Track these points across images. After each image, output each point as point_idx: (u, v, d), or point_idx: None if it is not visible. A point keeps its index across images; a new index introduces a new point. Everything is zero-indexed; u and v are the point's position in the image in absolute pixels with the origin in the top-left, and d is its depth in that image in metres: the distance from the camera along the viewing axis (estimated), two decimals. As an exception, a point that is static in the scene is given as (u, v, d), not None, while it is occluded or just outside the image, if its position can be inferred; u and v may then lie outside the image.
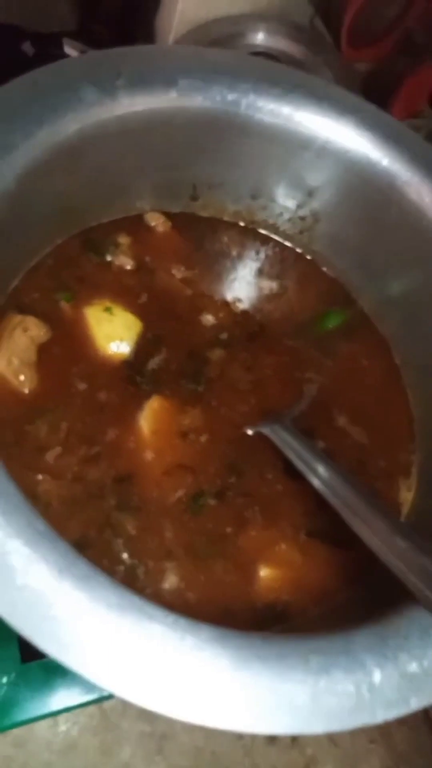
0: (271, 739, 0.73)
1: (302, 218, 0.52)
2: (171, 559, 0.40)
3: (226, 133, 0.46)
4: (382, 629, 0.32)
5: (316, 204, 0.50)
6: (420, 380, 0.51)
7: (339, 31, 0.76)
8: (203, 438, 0.44)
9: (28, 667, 0.44)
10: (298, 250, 0.54)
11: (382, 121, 0.46)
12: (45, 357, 0.43)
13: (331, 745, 0.77)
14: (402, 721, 0.82)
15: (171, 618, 0.28)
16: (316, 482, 0.40)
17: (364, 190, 0.47)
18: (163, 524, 0.41)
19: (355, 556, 0.43)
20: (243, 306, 0.50)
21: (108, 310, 0.46)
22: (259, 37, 0.74)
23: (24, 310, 0.44)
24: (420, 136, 0.47)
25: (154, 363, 0.46)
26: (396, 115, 0.62)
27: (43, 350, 0.43)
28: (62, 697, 0.45)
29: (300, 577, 0.42)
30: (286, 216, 0.52)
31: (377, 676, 0.30)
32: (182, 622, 0.28)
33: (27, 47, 0.75)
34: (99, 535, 0.39)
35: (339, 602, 0.42)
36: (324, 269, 0.54)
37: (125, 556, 0.39)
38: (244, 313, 0.50)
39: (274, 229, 0.53)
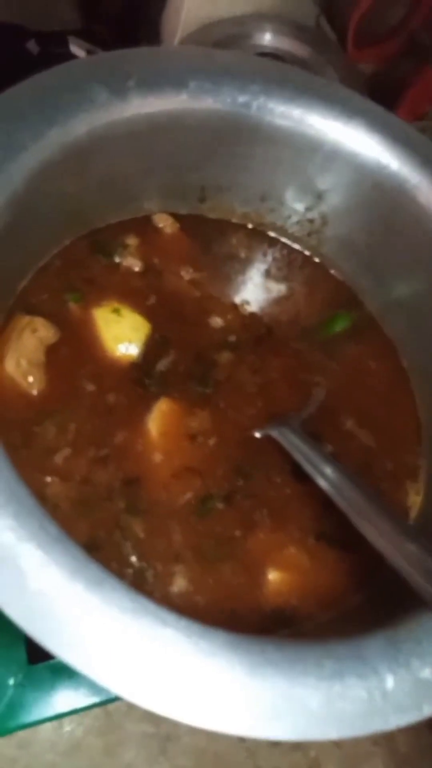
0: (275, 742, 0.73)
1: (311, 221, 0.52)
2: (179, 562, 0.40)
3: (236, 135, 0.46)
4: (394, 634, 0.32)
5: (325, 206, 0.50)
6: (427, 383, 0.50)
7: (344, 32, 0.76)
8: (211, 441, 0.44)
9: (35, 668, 0.44)
10: (307, 253, 0.54)
11: (392, 124, 0.46)
12: (53, 358, 0.43)
13: (334, 747, 0.77)
14: (404, 724, 0.81)
15: (183, 622, 0.28)
16: (324, 485, 0.40)
17: (374, 192, 0.47)
18: (172, 527, 0.41)
19: (363, 560, 0.42)
20: (251, 308, 0.50)
21: (116, 311, 0.46)
22: (265, 38, 0.74)
23: (32, 311, 0.43)
24: (429, 140, 0.47)
25: (162, 365, 0.45)
26: (401, 118, 0.62)
27: (51, 351, 0.43)
28: (69, 699, 0.45)
29: (308, 581, 0.42)
30: (295, 218, 0.52)
31: (390, 681, 0.30)
32: (195, 626, 0.28)
33: (32, 46, 0.75)
34: (108, 538, 0.39)
35: (347, 606, 0.42)
36: (332, 272, 0.54)
37: (134, 558, 0.39)
38: (252, 315, 0.50)
39: (283, 231, 0.53)
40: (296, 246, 0.54)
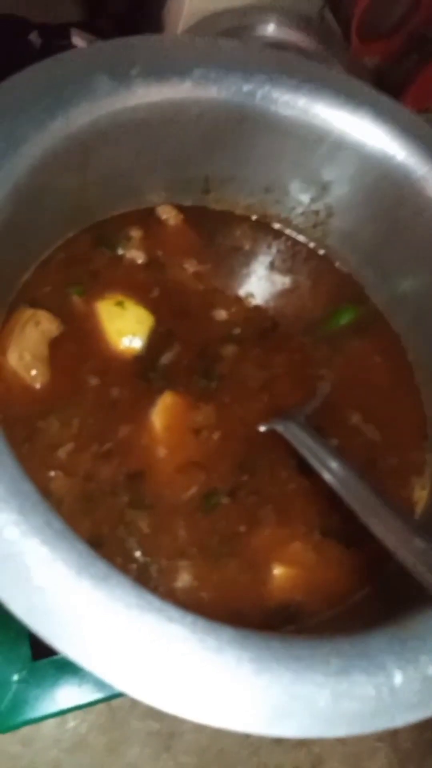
0: (279, 739, 0.73)
1: (316, 212, 0.51)
2: (184, 558, 0.39)
3: (241, 125, 0.45)
4: (402, 631, 0.32)
5: (330, 198, 0.50)
6: (433, 378, 0.50)
7: (349, 24, 0.75)
8: (216, 435, 0.44)
9: (39, 664, 0.44)
10: (311, 245, 0.53)
11: (399, 114, 0.45)
12: (56, 352, 0.42)
13: (337, 743, 0.77)
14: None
15: (190, 619, 0.28)
16: (330, 479, 0.39)
17: (380, 184, 0.47)
18: (176, 522, 0.40)
19: (369, 555, 0.42)
20: (255, 301, 0.50)
21: (120, 304, 0.45)
22: (268, 29, 0.73)
23: (35, 304, 0.43)
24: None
25: (166, 358, 0.45)
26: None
27: (54, 345, 0.42)
28: (72, 695, 0.44)
29: (313, 577, 0.41)
30: (300, 210, 0.51)
31: (398, 678, 0.30)
32: (201, 623, 0.28)
33: (34, 38, 0.74)
34: (112, 533, 0.39)
35: (353, 602, 0.42)
36: (337, 264, 0.53)
37: (138, 554, 0.39)
38: (257, 308, 0.50)
39: (287, 223, 0.53)
40: (301, 238, 0.53)
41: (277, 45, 0.71)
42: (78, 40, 0.73)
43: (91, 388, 0.42)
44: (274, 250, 0.53)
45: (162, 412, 0.42)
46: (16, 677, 0.42)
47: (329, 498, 0.40)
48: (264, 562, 0.41)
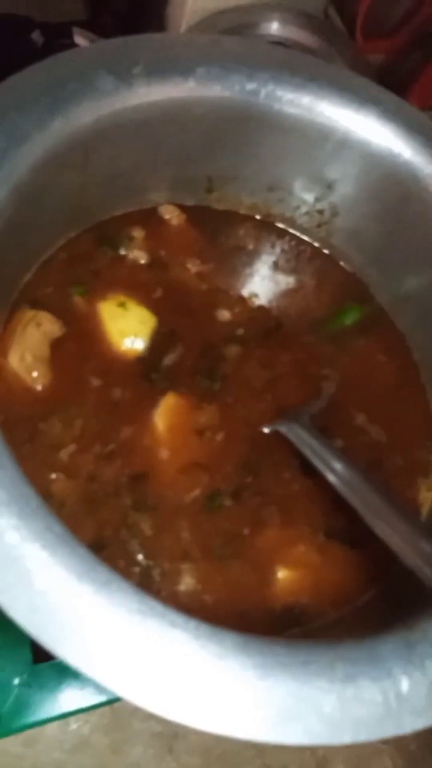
0: (283, 740, 0.72)
1: (320, 211, 0.51)
2: (187, 561, 0.39)
3: (244, 123, 0.44)
4: (409, 634, 0.31)
5: (334, 197, 0.49)
6: (439, 378, 0.50)
7: (353, 22, 0.75)
8: (219, 436, 0.43)
9: (40, 668, 0.43)
10: (316, 245, 0.53)
11: (404, 113, 0.45)
12: (58, 353, 0.42)
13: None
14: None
15: (192, 624, 0.28)
16: (334, 481, 0.39)
17: (385, 182, 0.46)
18: (179, 524, 0.40)
19: (373, 556, 0.42)
20: (259, 301, 0.49)
21: (122, 305, 0.45)
22: (272, 27, 0.72)
23: (37, 304, 0.43)
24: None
25: (169, 359, 0.45)
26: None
27: (56, 346, 0.42)
28: (74, 698, 0.44)
29: (318, 579, 0.41)
30: (304, 209, 0.51)
31: (405, 684, 0.29)
32: (204, 628, 0.27)
33: (36, 36, 0.74)
34: (115, 536, 0.38)
35: (358, 604, 0.41)
36: (342, 264, 0.53)
37: (141, 557, 0.38)
38: (261, 308, 0.49)
39: (291, 222, 0.52)
40: (305, 237, 0.53)
41: (281, 43, 0.71)
42: (80, 39, 0.72)
43: (93, 389, 0.42)
44: (277, 249, 0.52)
45: (165, 413, 0.42)
46: (17, 681, 0.42)
47: (334, 499, 0.39)
48: (268, 564, 0.41)
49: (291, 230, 0.53)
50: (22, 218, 0.38)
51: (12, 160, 0.36)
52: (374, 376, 0.50)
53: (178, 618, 0.27)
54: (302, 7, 0.74)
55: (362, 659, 0.29)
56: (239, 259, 0.51)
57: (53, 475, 0.39)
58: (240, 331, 0.48)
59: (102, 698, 0.45)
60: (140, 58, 0.40)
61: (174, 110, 0.42)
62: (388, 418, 0.48)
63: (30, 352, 0.40)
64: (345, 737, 0.28)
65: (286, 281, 0.51)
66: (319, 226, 0.52)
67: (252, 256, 0.51)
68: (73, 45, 0.74)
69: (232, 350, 0.46)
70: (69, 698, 0.44)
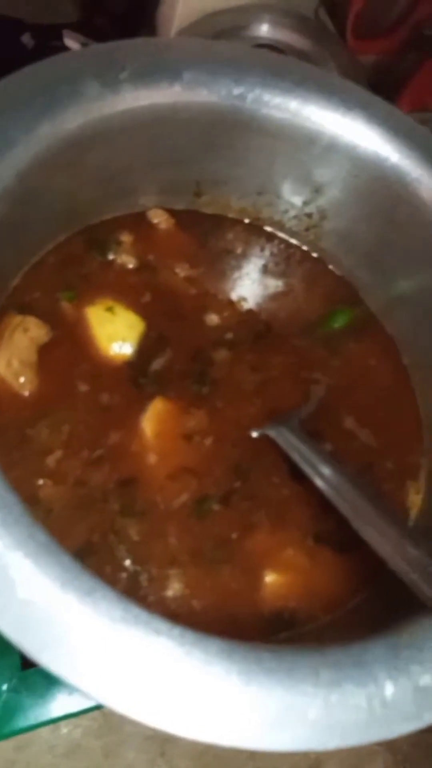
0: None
1: (309, 215, 0.51)
2: (175, 566, 0.39)
3: (232, 128, 0.44)
4: (395, 639, 0.31)
5: (323, 200, 0.49)
6: (428, 381, 0.50)
7: (344, 23, 0.75)
8: (208, 441, 0.43)
9: (28, 673, 0.43)
10: (305, 248, 0.53)
11: (392, 116, 0.45)
12: (46, 358, 0.42)
13: (335, 747, 0.76)
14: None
15: (177, 631, 0.27)
16: (322, 485, 0.39)
17: (374, 186, 0.46)
18: (168, 529, 0.40)
19: (362, 561, 0.42)
20: (248, 305, 0.49)
21: (110, 309, 0.45)
22: (263, 29, 0.72)
23: (24, 310, 0.42)
24: (430, 132, 0.46)
25: (157, 364, 0.45)
26: (403, 110, 0.61)
27: (43, 351, 0.42)
28: (64, 703, 0.44)
29: (308, 583, 0.41)
30: (293, 213, 0.51)
31: (389, 689, 0.29)
32: (189, 635, 0.27)
33: (26, 39, 0.74)
34: (102, 541, 0.38)
35: (347, 608, 0.41)
36: (331, 267, 0.53)
37: (128, 563, 0.38)
38: (250, 312, 0.49)
39: (280, 226, 0.52)
40: (294, 241, 0.53)
41: (272, 45, 0.71)
42: (70, 41, 0.72)
43: (80, 394, 0.42)
44: (267, 253, 0.52)
45: (152, 418, 0.42)
46: (6, 686, 0.42)
47: (323, 503, 0.39)
48: (257, 569, 0.41)
49: (280, 234, 0.53)
50: (10, 223, 0.38)
51: (0, 164, 0.36)
52: (364, 379, 0.50)
53: (163, 625, 0.27)
54: (293, 8, 0.74)
55: (347, 664, 0.29)
56: (228, 263, 0.51)
57: (40, 481, 0.38)
58: (229, 335, 0.48)
59: (92, 703, 0.45)
60: (127, 63, 0.40)
61: (161, 115, 0.42)
62: (378, 421, 0.48)
63: (17, 357, 0.40)
64: (332, 742, 0.28)
65: (276, 285, 0.51)
66: (307, 229, 0.52)
67: (241, 260, 0.51)
68: (63, 47, 0.74)
69: (221, 354, 0.46)
70: (59, 703, 0.44)
